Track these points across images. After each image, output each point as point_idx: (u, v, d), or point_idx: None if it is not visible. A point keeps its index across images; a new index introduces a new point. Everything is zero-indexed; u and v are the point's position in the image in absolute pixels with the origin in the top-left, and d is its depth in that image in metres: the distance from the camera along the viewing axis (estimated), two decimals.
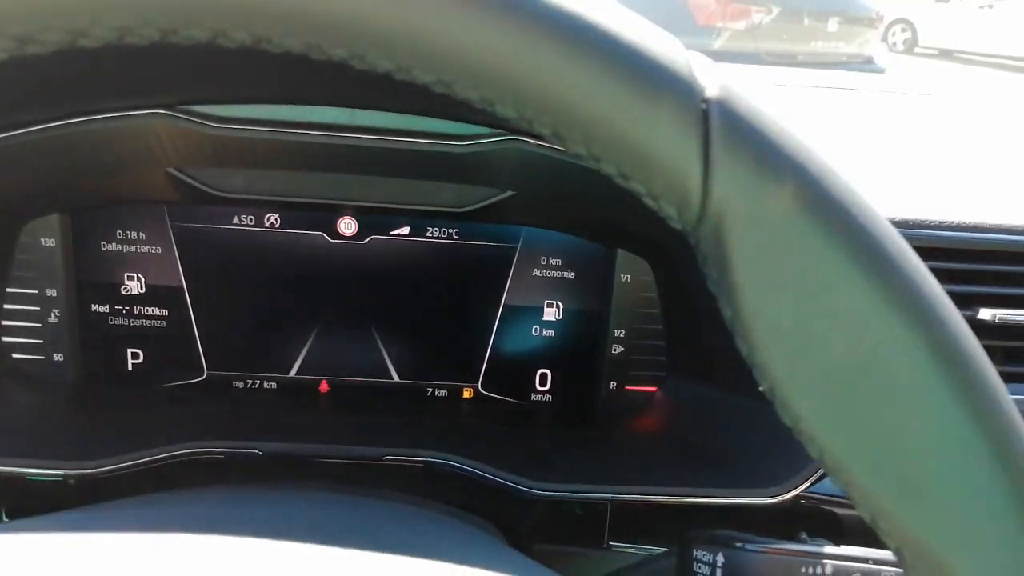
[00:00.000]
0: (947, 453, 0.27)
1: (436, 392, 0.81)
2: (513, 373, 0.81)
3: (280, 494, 0.50)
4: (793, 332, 0.27)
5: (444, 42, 0.24)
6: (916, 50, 10.73)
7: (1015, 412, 0.28)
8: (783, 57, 5.54)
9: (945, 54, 10.38)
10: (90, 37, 0.23)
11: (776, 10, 5.63)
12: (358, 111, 0.67)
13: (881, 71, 6.02)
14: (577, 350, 0.81)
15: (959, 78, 8.57)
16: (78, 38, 0.23)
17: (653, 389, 0.81)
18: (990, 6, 9.79)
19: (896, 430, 0.27)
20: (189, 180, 0.71)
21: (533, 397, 0.81)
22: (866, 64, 5.90)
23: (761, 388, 0.27)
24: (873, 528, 0.28)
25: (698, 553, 0.55)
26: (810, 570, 0.52)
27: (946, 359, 0.27)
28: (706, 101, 0.26)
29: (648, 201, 0.28)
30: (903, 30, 10.83)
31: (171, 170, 0.71)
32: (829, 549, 0.52)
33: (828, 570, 0.52)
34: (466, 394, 0.81)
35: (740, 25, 5.55)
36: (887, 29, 10.02)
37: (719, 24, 5.53)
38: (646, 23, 0.28)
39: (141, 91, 0.63)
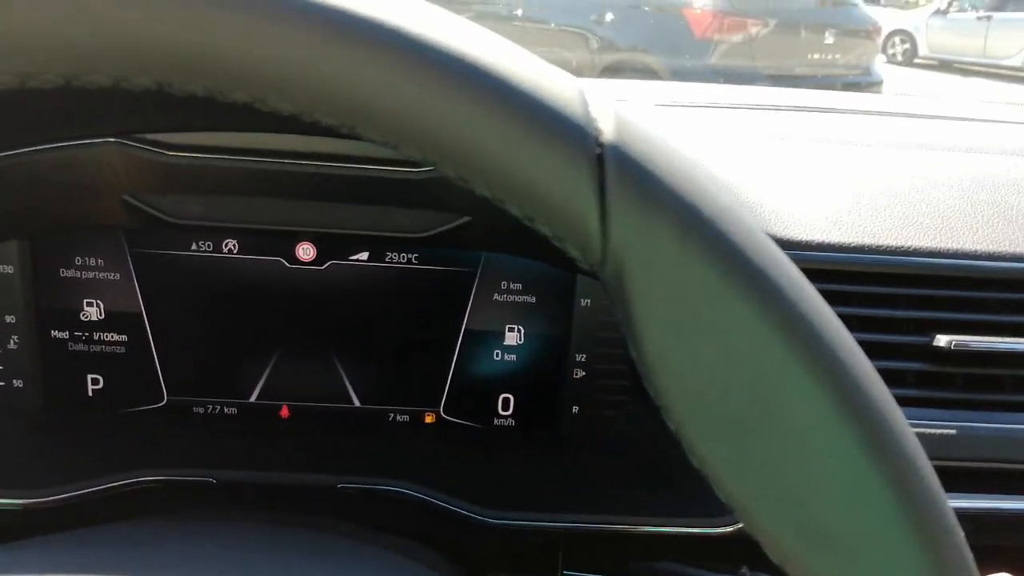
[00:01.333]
0: (849, 500, 0.26)
1: (398, 417, 0.80)
2: (475, 398, 0.81)
3: (176, 528, 0.50)
4: (694, 376, 0.26)
5: (337, 85, 0.24)
6: (915, 61, 10.74)
7: (921, 456, 0.27)
8: (781, 70, 5.56)
9: (944, 65, 10.40)
10: None
11: (773, 23, 5.64)
12: (314, 137, 0.67)
13: (879, 83, 6.02)
14: (539, 375, 0.80)
15: (957, 89, 8.58)
16: None
17: (616, 414, 0.80)
18: (988, 17, 9.81)
19: (798, 477, 0.26)
20: (145, 208, 0.71)
21: (496, 422, 0.81)
22: (864, 76, 5.90)
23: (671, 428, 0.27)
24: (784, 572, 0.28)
25: None
26: None
27: (847, 403, 0.26)
28: (601, 145, 0.26)
29: (556, 243, 0.28)
30: (902, 41, 10.85)
31: (127, 198, 0.71)
32: None
33: None
34: (428, 419, 0.81)
35: (737, 38, 5.56)
36: (886, 40, 10.05)
37: (716, 37, 5.54)
38: (543, 65, 0.28)
39: (91, 120, 0.63)
